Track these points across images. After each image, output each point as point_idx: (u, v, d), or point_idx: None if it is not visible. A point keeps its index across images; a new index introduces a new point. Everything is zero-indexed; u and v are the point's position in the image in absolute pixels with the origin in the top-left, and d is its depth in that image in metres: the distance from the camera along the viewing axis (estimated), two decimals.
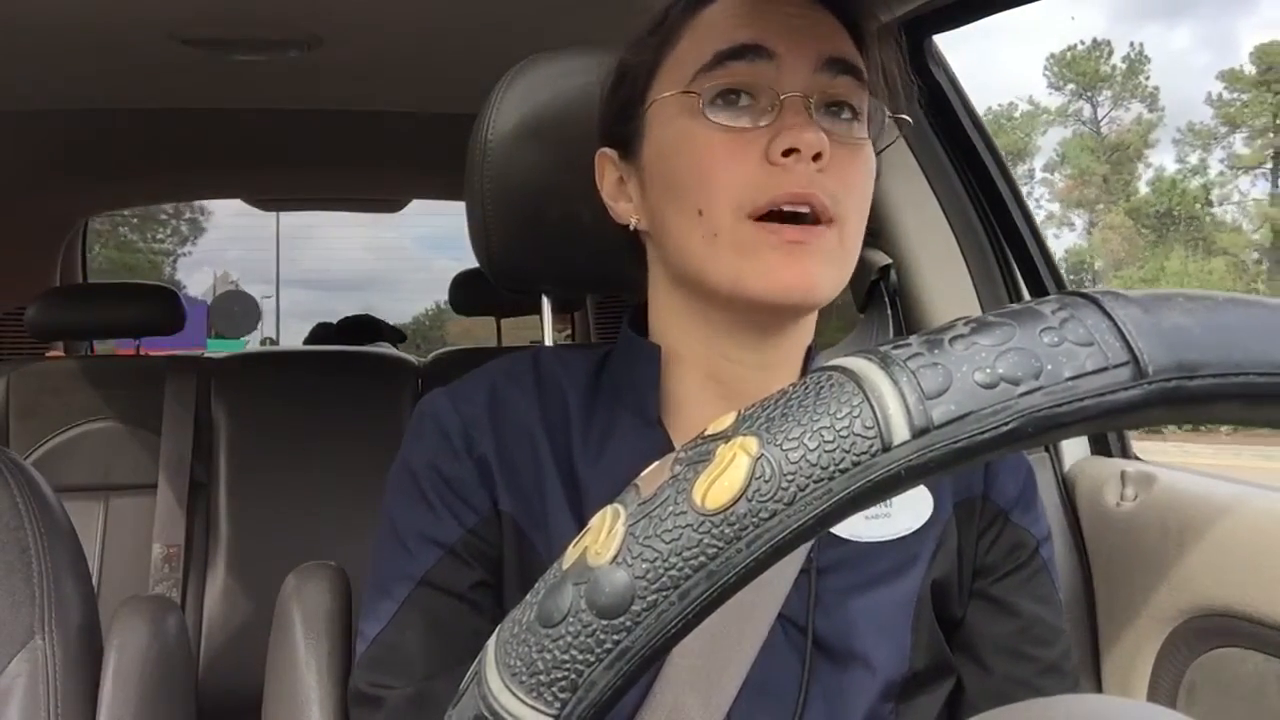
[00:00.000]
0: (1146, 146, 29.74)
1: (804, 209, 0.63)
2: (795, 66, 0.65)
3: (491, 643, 0.29)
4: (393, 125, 1.93)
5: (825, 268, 0.64)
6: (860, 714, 0.66)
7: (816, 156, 0.62)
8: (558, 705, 0.27)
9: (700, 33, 0.67)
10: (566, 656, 0.27)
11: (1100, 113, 30.03)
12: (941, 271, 1.16)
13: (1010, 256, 1.18)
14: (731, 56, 0.65)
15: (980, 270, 1.17)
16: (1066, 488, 1.08)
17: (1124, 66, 30.33)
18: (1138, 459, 1.08)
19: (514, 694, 0.28)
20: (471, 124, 0.84)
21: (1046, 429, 0.28)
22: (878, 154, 0.69)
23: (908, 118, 0.70)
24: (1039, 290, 1.15)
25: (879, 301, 0.87)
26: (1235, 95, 28.76)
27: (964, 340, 0.28)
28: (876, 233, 1.13)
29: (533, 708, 0.28)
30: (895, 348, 0.28)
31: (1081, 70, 29.91)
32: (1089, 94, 29.79)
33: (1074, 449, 1.11)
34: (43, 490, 0.87)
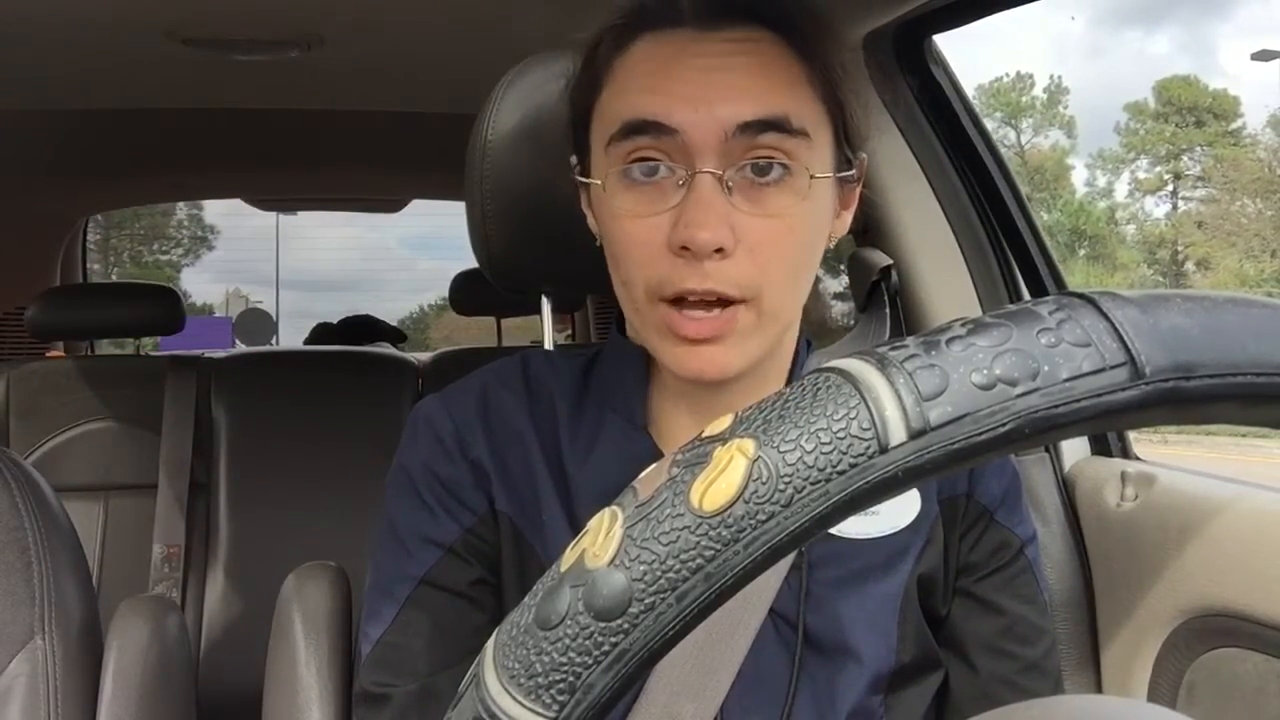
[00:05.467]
0: (1062, 170, 31.37)
1: (710, 298, 0.61)
2: (701, 141, 0.60)
3: (490, 645, 0.29)
4: (393, 125, 1.93)
5: (738, 347, 0.63)
6: (849, 706, 0.67)
7: (718, 250, 0.60)
8: (556, 708, 0.27)
9: (617, 85, 0.64)
10: (564, 659, 0.27)
11: (1024, 139, 31.60)
12: (941, 271, 1.16)
13: (1010, 256, 1.17)
14: (636, 131, 0.61)
15: (980, 270, 1.17)
16: (1066, 488, 1.08)
17: (1044, 97, 32.00)
18: (1138, 459, 1.08)
19: (512, 696, 0.28)
20: (471, 124, 0.84)
21: (1044, 430, 0.28)
22: (856, 183, 0.68)
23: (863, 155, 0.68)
24: (1039, 290, 1.15)
25: (879, 302, 0.87)
26: (1139, 125, 30.58)
27: (961, 341, 0.28)
28: (877, 233, 1.12)
29: (531, 710, 0.28)
30: (892, 349, 0.28)
31: (1005, 101, 31.54)
32: (1012, 122, 31.36)
33: (1074, 449, 1.11)
34: (43, 490, 0.87)
